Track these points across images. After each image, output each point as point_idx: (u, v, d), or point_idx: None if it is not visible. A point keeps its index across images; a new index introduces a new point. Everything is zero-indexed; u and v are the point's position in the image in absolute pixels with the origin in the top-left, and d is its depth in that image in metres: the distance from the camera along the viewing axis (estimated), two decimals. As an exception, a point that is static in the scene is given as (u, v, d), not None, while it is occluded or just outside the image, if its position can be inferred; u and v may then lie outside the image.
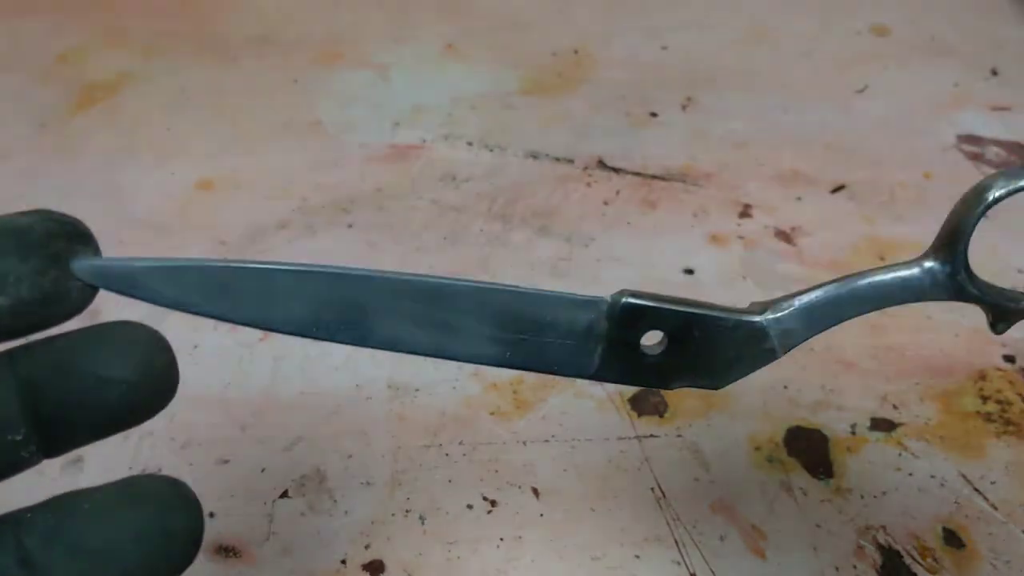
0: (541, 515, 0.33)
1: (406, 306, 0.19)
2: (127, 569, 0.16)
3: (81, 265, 0.17)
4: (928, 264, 0.21)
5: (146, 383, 0.18)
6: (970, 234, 0.21)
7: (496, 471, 0.35)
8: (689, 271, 0.43)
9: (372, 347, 0.20)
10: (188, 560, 0.17)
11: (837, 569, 0.32)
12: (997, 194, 0.20)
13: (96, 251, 0.18)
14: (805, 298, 0.22)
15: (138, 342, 0.18)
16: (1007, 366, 0.38)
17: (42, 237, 0.17)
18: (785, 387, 0.38)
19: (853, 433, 0.36)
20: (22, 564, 0.16)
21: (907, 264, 0.22)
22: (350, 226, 0.46)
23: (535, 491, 0.34)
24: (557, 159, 0.50)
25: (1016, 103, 0.53)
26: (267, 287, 0.19)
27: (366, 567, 0.32)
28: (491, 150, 0.51)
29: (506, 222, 0.46)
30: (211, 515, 0.34)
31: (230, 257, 0.44)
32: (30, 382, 0.17)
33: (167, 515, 0.17)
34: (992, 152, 0.50)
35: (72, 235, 0.17)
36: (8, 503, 0.17)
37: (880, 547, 0.32)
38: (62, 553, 0.16)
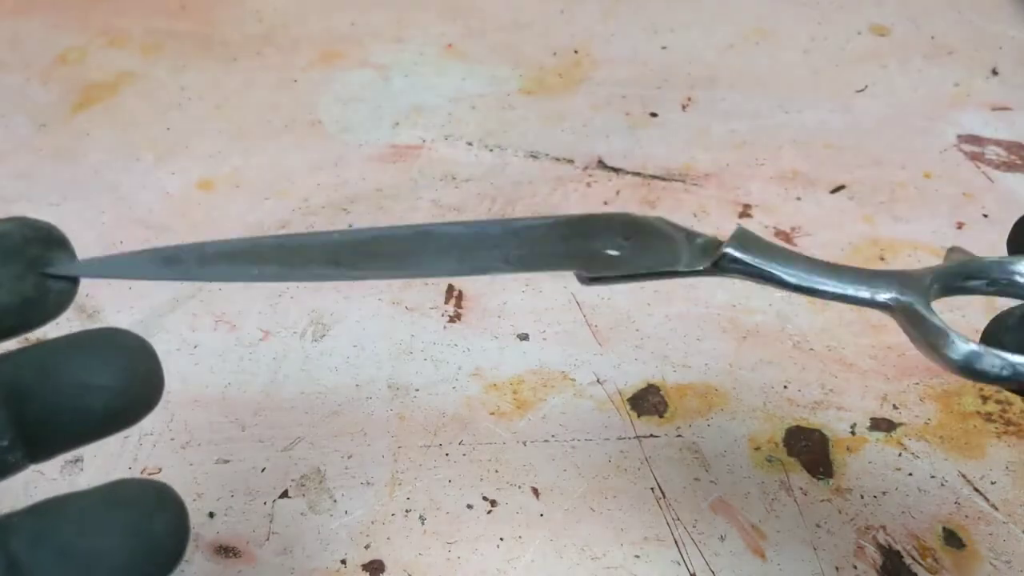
0: (541, 515, 0.33)
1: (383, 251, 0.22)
2: (114, 570, 0.16)
3: (59, 270, 0.18)
4: (890, 301, 0.20)
5: (130, 389, 0.18)
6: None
7: (496, 471, 0.35)
8: (689, 271, 0.43)
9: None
10: (175, 561, 0.17)
11: (837, 569, 0.31)
12: (988, 375, 0.18)
13: (72, 256, 0.18)
14: (761, 263, 0.20)
15: (122, 348, 0.18)
16: (1007, 366, 0.38)
17: (20, 243, 0.17)
18: (785, 387, 0.38)
19: (853, 433, 0.36)
20: (9, 567, 0.16)
21: (877, 291, 0.20)
22: (350, 226, 0.46)
23: (535, 491, 0.34)
24: (557, 159, 0.50)
25: (1016, 103, 0.53)
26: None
27: (366, 567, 0.32)
28: (491, 150, 0.51)
29: (506, 222, 0.46)
30: (211, 515, 0.34)
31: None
32: (14, 388, 0.17)
33: (152, 517, 0.17)
34: (992, 152, 0.50)
35: (49, 240, 0.18)
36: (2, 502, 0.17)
37: (880, 547, 0.32)
38: (49, 555, 0.16)
